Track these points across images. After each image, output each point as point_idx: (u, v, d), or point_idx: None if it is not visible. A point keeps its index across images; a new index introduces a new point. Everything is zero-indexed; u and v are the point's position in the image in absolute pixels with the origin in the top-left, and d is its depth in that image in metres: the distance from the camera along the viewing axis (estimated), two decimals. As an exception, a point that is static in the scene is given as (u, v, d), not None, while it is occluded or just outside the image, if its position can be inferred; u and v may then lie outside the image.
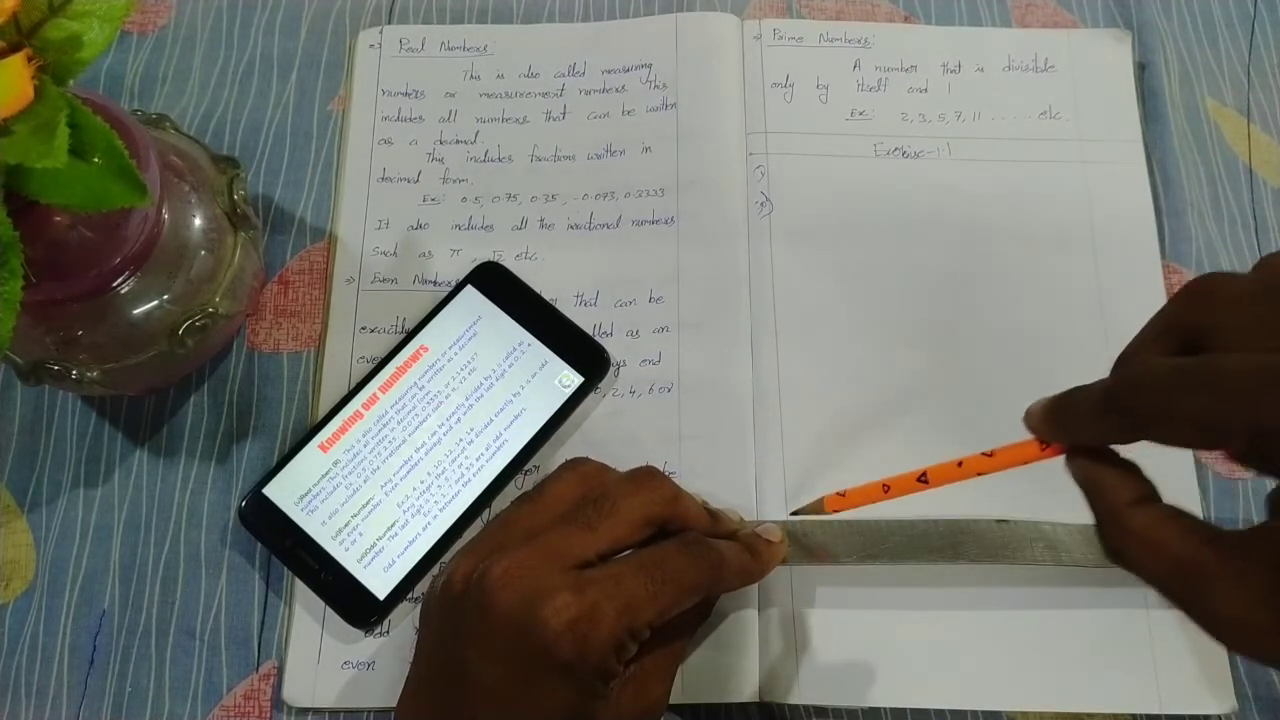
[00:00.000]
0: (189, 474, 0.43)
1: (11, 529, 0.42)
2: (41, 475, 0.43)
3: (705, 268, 0.45)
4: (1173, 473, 0.42)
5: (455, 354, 0.43)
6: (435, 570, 0.40)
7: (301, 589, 0.40)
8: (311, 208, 0.47)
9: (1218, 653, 0.40)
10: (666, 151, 0.47)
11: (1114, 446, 0.32)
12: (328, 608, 0.40)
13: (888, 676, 0.39)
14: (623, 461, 0.42)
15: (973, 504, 0.41)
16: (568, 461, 0.37)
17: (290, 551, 0.40)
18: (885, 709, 0.40)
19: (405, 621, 0.40)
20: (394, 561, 0.40)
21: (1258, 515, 0.42)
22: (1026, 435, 0.42)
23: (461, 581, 0.33)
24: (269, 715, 0.40)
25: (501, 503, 0.41)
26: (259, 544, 0.41)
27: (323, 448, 0.41)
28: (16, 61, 0.29)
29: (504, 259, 0.45)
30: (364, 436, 0.41)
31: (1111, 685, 0.39)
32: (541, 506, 0.34)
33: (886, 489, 0.36)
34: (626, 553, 0.34)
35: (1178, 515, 0.29)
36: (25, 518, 0.43)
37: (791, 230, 0.46)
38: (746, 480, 0.42)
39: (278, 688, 0.40)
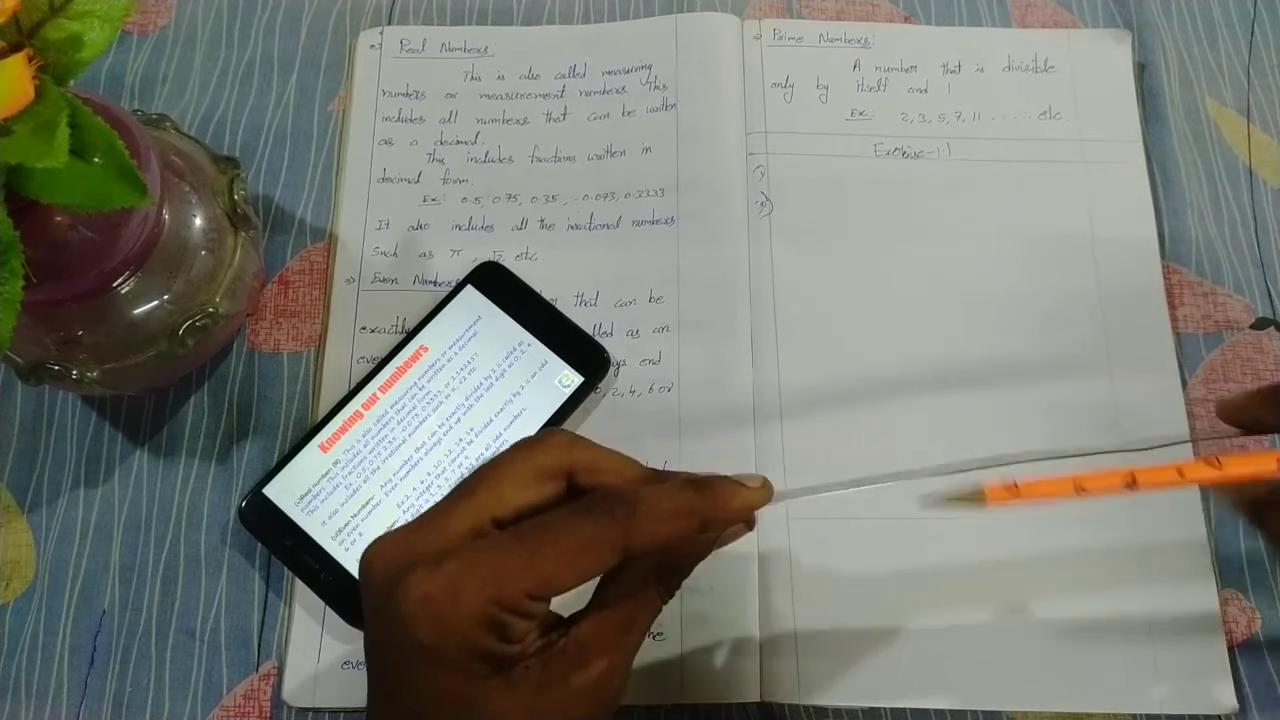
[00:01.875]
0: (189, 474, 0.43)
1: (11, 529, 0.42)
2: (41, 475, 0.43)
3: (705, 268, 0.45)
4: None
5: (455, 354, 0.43)
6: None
7: (301, 589, 0.40)
8: (311, 208, 0.47)
9: (1218, 653, 0.40)
10: (666, 152, 0.47)
11: None
12: (328, 608, 0.40)
13: (888, 676, 0.39)
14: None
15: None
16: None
17: (290, 551, 0.40)
18: (885, 709, 0.40)
19: (405, 621, 0.40)
20: (394, 561, 0.40)
21: (1258, 515, 0.42)
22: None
23: (365, 561, 0.29)
24: (269, 715, 0.40)
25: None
26: (259, 544, 0.41)
27: (323, 448, 0.41)
28: (17, 61, 0.29)
29: (504, 259, 0.45)
30: (364, 436, 0.41)
31: (1111, 685, 0.39)
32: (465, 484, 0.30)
33: (1080, 489, 0.30)
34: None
35: None
36: (25, 518, 0.43)
37: (791, 230, 0.46)
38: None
39: (278, 688, 0.40)
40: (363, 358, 0.44)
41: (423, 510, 0.30)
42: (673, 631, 0.40)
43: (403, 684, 0.28)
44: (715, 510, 0.30)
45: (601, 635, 0.29)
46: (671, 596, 0.31)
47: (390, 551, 0.28)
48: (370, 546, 0.29)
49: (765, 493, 0.32)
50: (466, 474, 0.30)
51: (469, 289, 0.44)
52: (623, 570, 0.30)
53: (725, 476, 0.31)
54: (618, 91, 0.49)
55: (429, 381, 0.42)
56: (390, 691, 0.29)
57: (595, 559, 0.28)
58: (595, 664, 0.29)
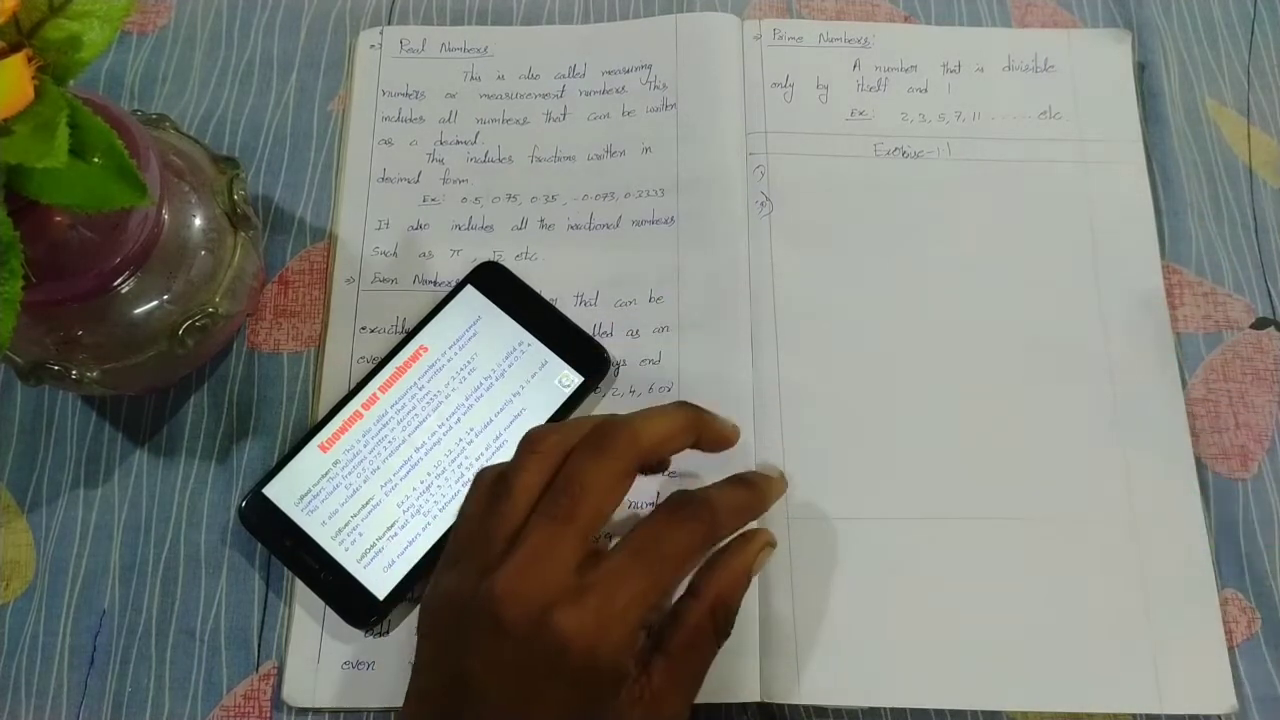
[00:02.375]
0: (189, 474, 0.43)
1: (11, 529, 0.42)
2: (41, 475, 0.43)
3: (705, 268, 0.45)
4: (1173, 472, 0.42)
5: (455, 354, 0.43)
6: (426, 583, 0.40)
7: (301, 589, 0.40)
8: (311, 208, 0.47)
9: (1218, 653, 0.40)
10: (666, 152, 0.47)
11: None
12: (328, 608, 0.40)
13: (888, 676, 0.39)
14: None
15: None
16: (523, 441, 0.35)
17: (290, 551, 0.40)
18: (885, 709, 0.40)
19: (405, 622, 0.40)
20: (394, 561, 0.40)
21: (1259, 515, 0.42)
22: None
23: (459, 596, 0.32)
24: (269, 715, 0.40)
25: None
26: (259, 544, 0.41)
27: (323, 448, 0.41)
28: (17, 61, 0.29)
29: (504, 259, 0.45)
30: (364, 436, 0.41)
31: (1111, 685, 0.39)
32: (513, 506, 0.33)
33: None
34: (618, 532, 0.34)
35: None
36: (25, 518, 0.43)
37: (791, 230, 0.46)
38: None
39: (278, 688, 0.40)
40: (363, 358, 0.44)
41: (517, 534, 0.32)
42: (673, 631, 0.40)
43: (534, 705, 0.31)
44: (764, 506, 0.37)
45: (675, 680, 0.33)
46: (728, 636, 0.35)
47: (523, 589, 0.31)
48: (495, 588, 0.31)
49: (784, 482, 0.39)
50: (506, 472, 0.34)
51: (469, 289, 0.44)
52: (681, 616, 0.34)
53: (755, 473, 0.38)
54: (617, 91, 0.49)
55: (429, 381, 0.42)
56: (513, 709, 0.31)
57: (694, 561, 0.34)
58: (670, 705, 0.33)
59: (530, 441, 0.34)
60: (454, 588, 0.33)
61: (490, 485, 0.34)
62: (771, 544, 0.37)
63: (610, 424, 0.34)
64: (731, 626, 0.35)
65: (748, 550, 0.36)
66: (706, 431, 0.37)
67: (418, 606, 0.40)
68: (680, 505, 0.34)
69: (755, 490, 0.37)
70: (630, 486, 0.34)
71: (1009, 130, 0.48)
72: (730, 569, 0.35)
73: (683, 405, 0.37)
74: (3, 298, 0.30)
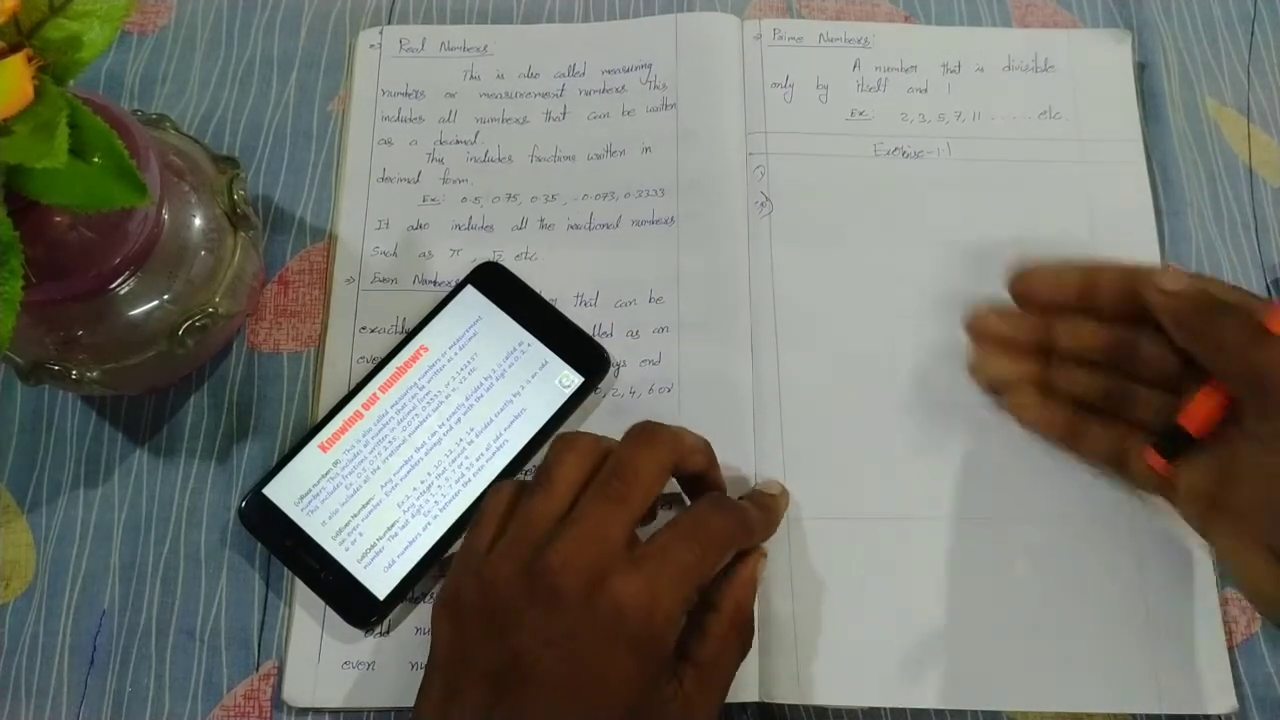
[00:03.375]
0: (189, 474, 0.43)
1: (11, 529, 0.42)
2: (41, 475, 0.43)
3: (705, 268, 0.45)
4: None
5: (455, 354, 0.43)
6: (437, 577, 0.40)
7: (301, 589, 0.40)
8: (311, 208, 0.47)
9: (1218, 653, 0.40)
10: (666, 151, 0.47)
11: None
12: (328, 608, 0.40)
13: (888, 676, 0.39)
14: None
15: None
16: (558, 441, 0.37)
17: (290, 551, 0.40)
18: (885, 709, 0.40)
19: (405, 621, 0.40)
20: (394, 561, 0.40)
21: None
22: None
23: (500, 579, 0.33)
24: (269, 715, 0.40)
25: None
26: (259, 544, 0.41)
27: (323, 448, 0.41)
28: (16, 61, 0.29)
29: (504, 259, 0.45)
30: (364, 436, 0.41)
31: (1111, 685, 0.39)
32: (555, 492, 0.35)
33: None
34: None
35: None
36: (25, 518, 0.43)
37: (791, 230, 0.46)
38: (746, 480, 0.42)
39: (278, 688, 0.40)
40: (363, 358, 0.44)
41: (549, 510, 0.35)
42: (673, 631, 0.40)
43: (593, 674, 0.32)
44: (775, 526, 0.40)
45: (706, 691, 0.35)
46: (749, 649, 0.37)
47: (579, 560, 0.33)
48: (551, 560, 0.33)
49: (788, 498, 0.41)
50: (549, 469, 0.36)
51: (469, 289, 0.44)
52: (706, 628, 0.35)
53: (766, 495, 0.40)
54: (617, 91, 0.49)
55: (429, 381, 0.42)
56: (569, 683, 0.32)
57: (730, 550, 0.36)
58: (700, 713, 0.34)
59: (567, 440, 0.37)
60: (493, 573, 0.34)
61: (517, 485, 0.37)
62: (764, 554, 0.39)
63: (654, 423, 0.37)
64: (752, 637, 0.37)
65: (749, 561, 0.38)
66: (714, 467, 0.39)
67: (419, 607, 0.40)
68: (719, 498, 0.38)
69: (770, 514, 0.39)
70: (664, 483, 0.36)
71: (1009, 130, 0.48)
72: (741, 579, 0.37)
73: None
74: (3, 298, 0.30)
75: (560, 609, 0.32)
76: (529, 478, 0.41)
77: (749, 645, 0.37)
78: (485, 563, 0.34)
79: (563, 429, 0.42)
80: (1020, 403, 0.41)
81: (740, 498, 0.40)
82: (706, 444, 0.39)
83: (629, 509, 0.34)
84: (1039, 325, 0.40)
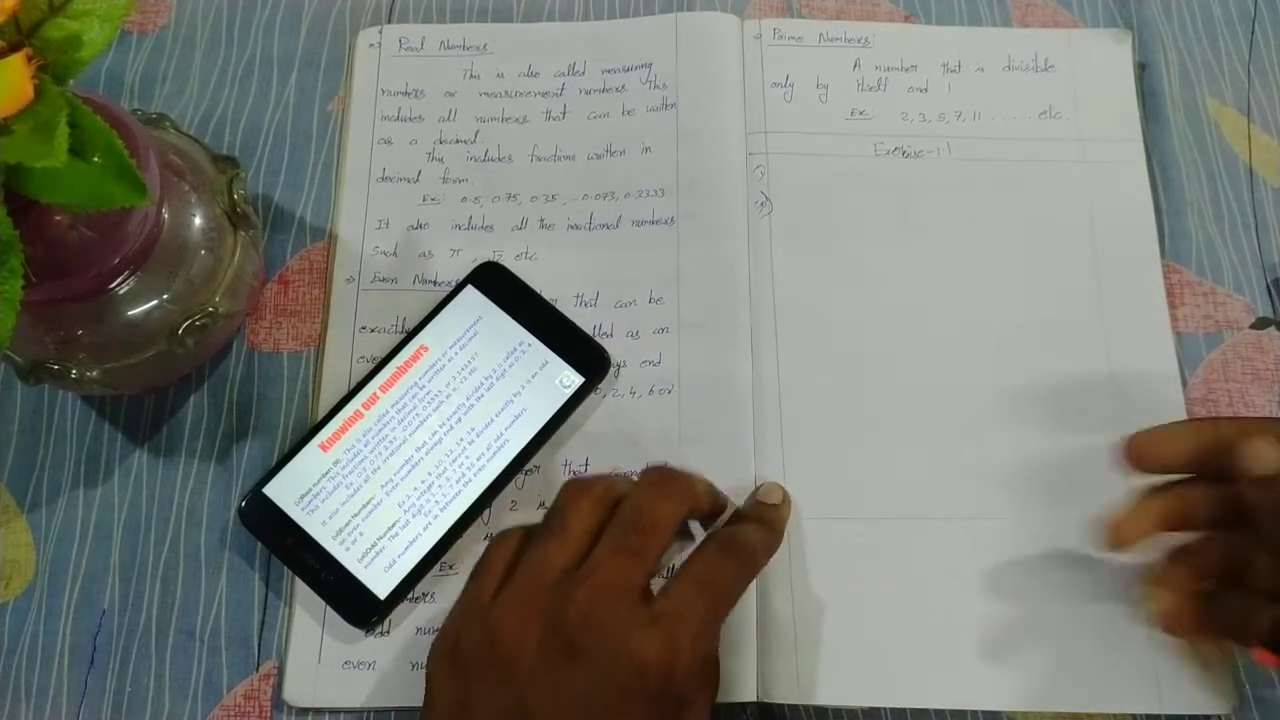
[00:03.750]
0: (189, 474, 0.43)
1: (11, 529, 0.42)
2: (41, 475, 0.43)
3: (705, 268, 0.45)
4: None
5: (456, 354, 0.43)
6: (434, 629, 0.40)
7: (301, 589, 0.40)
8: (311, 208, 0.47)
9: (1218, 653, 0.40)
10: (666, 151, 0.47)
11: None
12: (328, 608, 0.40)
13: (888, 676, 0.39)
14: (624, 463, 0.42)
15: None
16: (572, 486, 0.37)
17: (290, 551, 0.40)
18: (885, 709, 0.40)
19: (406, 621, 0.40)
20: (395, 561, 0.40)
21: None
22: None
23: (516, 631, 0.33)
24: (269, 715, 0.40)
25: (500, 504, 0.41)
26: (259, 544, 0.41)
27: (323, 447, 0.41)
28: (16, 61, 0.29)
29: (504, 259, 0.45)
30: (364, 436, 0.41)
31: (1111, 685, 0.39)
32: (569, 540, 0.35)
33: None
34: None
35: None
36: (25, 518, 0.43)
37: (791, 230, 0.46)
38: (746, 480, 0.42)
39: (278, 688, 0.40)
40: (363, 357, 0.44)
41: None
42: (673, 631, 0.40)
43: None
44: (780, 540, 0.39)
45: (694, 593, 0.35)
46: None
47: (599, 616, 0.33)
48: (569, 615, 0.33)
49: (789, 505, 0.41)
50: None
51: (469, 289, 0.44)
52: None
53: (770, 508, 0.40)
54: (617, 90, 0.49)
55: (429, 381, 0.42)
56: None
57: (741, 593, 0.36)
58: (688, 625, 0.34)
59: (580, 486, 0.36)
60: (499, 622, 0.33)
61: (523, 532, 0.36)
62: None
63: (669, 470, 0.38)
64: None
65: None
66: (721, 505, 0.40)
67: (419, 607, 0.40)
68: (729, 540, 0.37)
69: (774, 531, 0.39)
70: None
71: (1009, 130, 0.48)
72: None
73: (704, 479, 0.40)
74: (3, 297, 0.30)
75: (579, 665, 0.32)
76: (517, 502, 0.41)
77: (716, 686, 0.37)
78: (491, 611, 0.34)
79: (563, 430, 0.42)
80: (1165, 612, 0.38)
81: (741, 509, 0.40)
82: (712, 487, 0.39)
83: (646, 561, 0.35)
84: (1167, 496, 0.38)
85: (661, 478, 0.37)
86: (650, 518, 0.35)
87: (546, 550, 0.34)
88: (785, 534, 0.40)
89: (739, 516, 0.40)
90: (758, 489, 0.41)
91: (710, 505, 0.39)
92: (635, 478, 0.38)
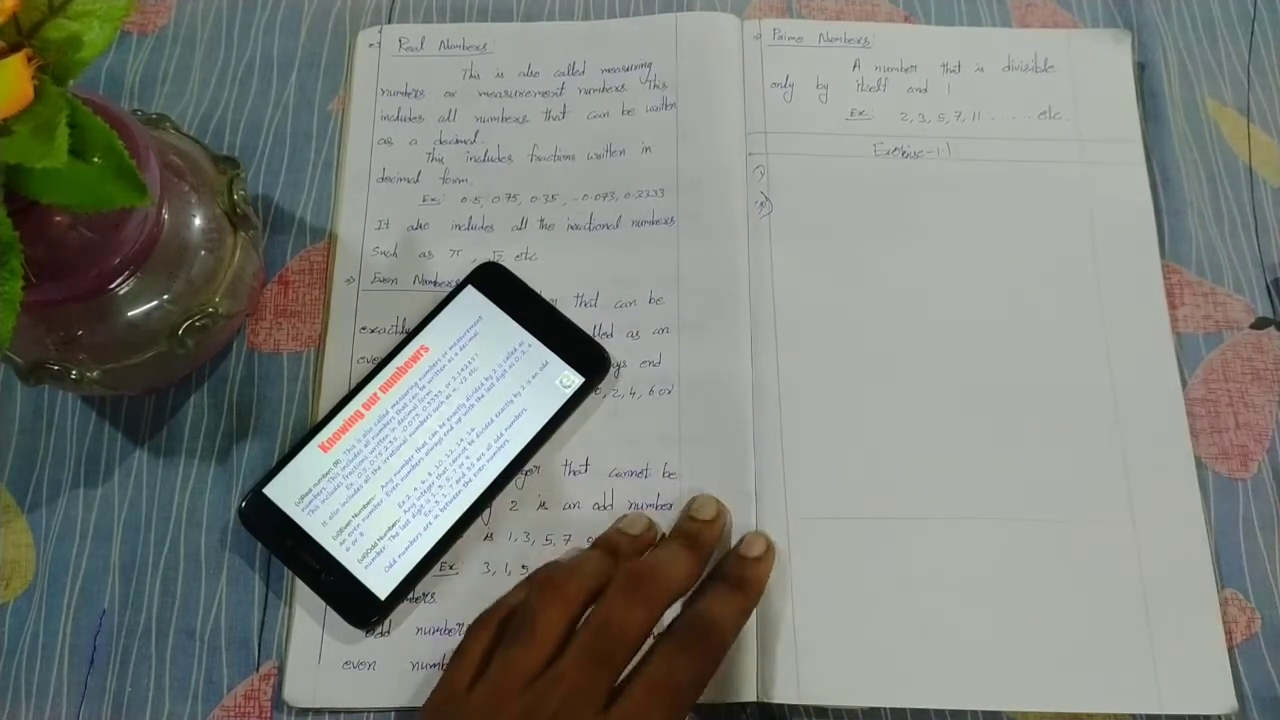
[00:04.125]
0: (189, 474, 0.43)
1: (11, 529, 0.42)
2: (41, 475, 0.43)
3: (705, 268, 0.45)
4: (1173, 472, 0.42)
5: (456, 354, 0.43)
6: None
7: (301, 589, 0.40)
8: (311, 208, 0.47)
9: (1218, 653, 0.40)
10: (666, 151, 0.47)
11: None
12: (328, 608, 0.40)
13: (888, 676, 0.40)
14: (623, 462, 0.42)
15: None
16: (543, 585, 0.37)
17: (290, 551, 0.40)
18: (885, 709, 0.40)
19: (406, 622, 0.40)
20: (395, 561, 0.40)
21: (1258, 515, 0.42)
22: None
23: None
24: (269, 715, 0.40)
25: (501, 504, 0.42)
26: (259, 544, 0.41)
27: (323, 448, 0.41)
28: (16, 61, 0.29)
29: (504, 259, 0.45)
30: (364, 436, 0.41)
31: (1111, 685, 0.39)
32: (537, 645, 0.35)
33: None
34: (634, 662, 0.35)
35: None
36: (25, 518, 0.43)
37: (791, 230, 0.46)
38: (746, 480, 0.42)
39: (278, 688, 0.40)
40: (363, 358, 0.44)
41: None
42: (673, 631, 0.40)
43: None
44: (759, 596, 0.39)
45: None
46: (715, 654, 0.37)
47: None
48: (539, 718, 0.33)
49: (772, 557, 0.40)
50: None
51: (469, 289, 0.44)
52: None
53: (749, 563, 0.39)
54: (617, 90, 0.49)
55: (430, 382, 0.42)
56: None
57: (708, 679, 0.36)
58: None
59: (551, 585, 0.36)
60: (471, 717, 0.34)
61: (498, 625, 0.36)
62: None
63: (644, 571, 0.37)
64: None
65: None
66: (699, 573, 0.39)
67: (420, 607, 0.40)
68: (693, 629, 0.36)
69: (750, 590, 0.39)
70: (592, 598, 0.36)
71: (1009, 130, 0.48)
72: None
73: (694, 545, 0.39)
74: (3, 298, 0.30)
75: None
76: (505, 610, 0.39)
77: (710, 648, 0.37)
78: (465, 703, 0.34)
79: (563, 430, 0.42)
80: None
81: (722, 562, 0.40)
82: (699, 558, 0.39)
83: (613, 670, 0.34)
84: None
85: (634, 580, 0.37)
86: (620, 628, 0.35)
87: (516, 653, 0.35)
88: (784, 530, 0.40)
89: (717, 575, 0.39)
90: (743, 540, 0.40)
91: (691, 584, 0.38)
92: (617, 540, 0.39)
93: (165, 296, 0.38)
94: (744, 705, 0.39)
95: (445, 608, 0.41)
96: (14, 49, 0.30)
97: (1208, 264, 0.46)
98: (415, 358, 0.43)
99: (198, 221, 0.40)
